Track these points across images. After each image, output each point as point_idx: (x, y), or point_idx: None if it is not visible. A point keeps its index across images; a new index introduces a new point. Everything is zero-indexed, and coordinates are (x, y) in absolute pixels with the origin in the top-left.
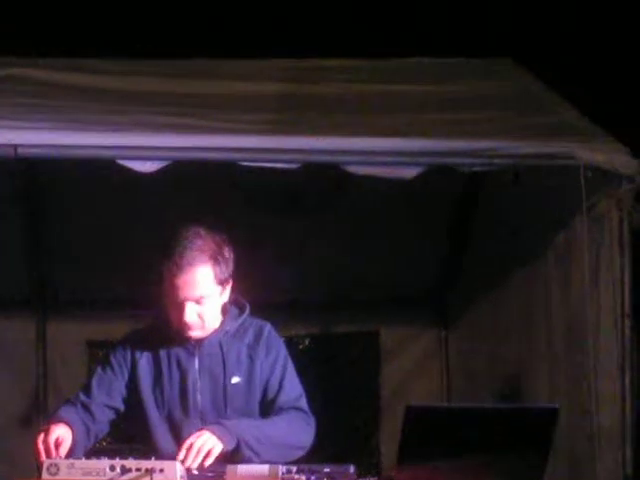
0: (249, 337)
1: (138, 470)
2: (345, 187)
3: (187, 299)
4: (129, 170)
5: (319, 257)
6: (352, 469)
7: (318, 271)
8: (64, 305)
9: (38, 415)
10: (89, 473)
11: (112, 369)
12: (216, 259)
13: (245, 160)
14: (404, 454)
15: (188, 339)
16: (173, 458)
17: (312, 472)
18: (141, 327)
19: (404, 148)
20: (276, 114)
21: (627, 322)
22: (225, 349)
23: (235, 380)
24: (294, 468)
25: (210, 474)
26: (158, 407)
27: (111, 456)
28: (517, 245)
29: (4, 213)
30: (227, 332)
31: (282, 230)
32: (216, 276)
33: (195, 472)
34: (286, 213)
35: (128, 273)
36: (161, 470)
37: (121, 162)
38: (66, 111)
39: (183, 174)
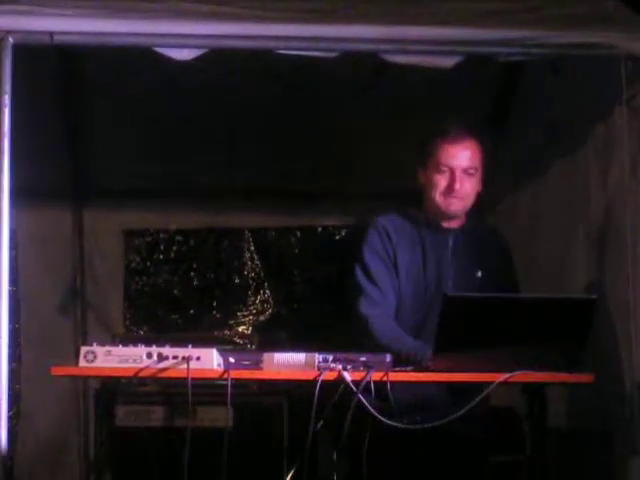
0: (490, 238)
1: (175, 358)
2: (383, 77)
3: (461, 166)
4: (166, 58)
5: (355, 145)
6: (388, 358)
7: (356, 159)
8: (100, 195)
9: (75, 304)
10: (126, 360)
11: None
12: (481, 140)
13: (282, 48)
14: (441, 343)
15: (440, 228)
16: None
17: (348, 361)
18: (384, 215)
19: (442, 36)
20: (313, 2)
21: None
22: (472, 242)
23: (479, 274)
24: (330, 357)
25: (246, 362)
26: (414, 294)
27: (147, 344)
28: (556, 137)
29: (40, 102)
30: (471, 228)
31: (319, 117)
32: (481, 154)
33: (232, 360)
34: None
35: (165, 162)
36: (198, 358)
37: (158, 49)
38: None
39: (220, 63)
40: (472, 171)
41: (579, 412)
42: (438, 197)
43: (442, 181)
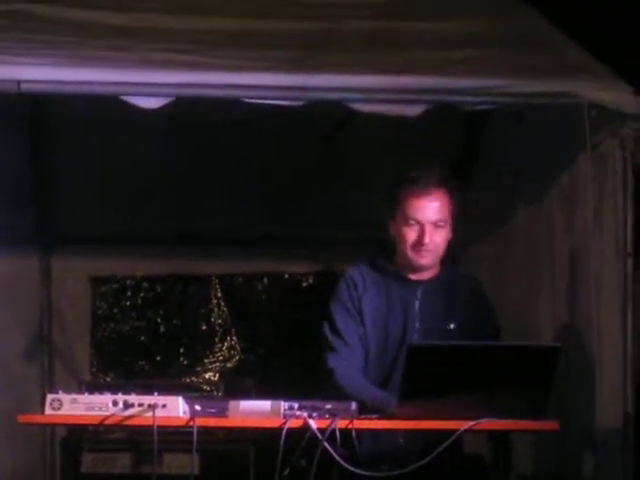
0: (463, 285)
1: (141, 405)
2: (350, 124)
3: (429, 220)
4: (133, 107)
5: (324, 192)
6: (354, 406)
7: (324, 205)
8: (67, 242)
9: (42, 351)
10: (92, 408)
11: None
12: (450, 189)
13: (249, 97)
14: (406, 391)
15: (410, 279)
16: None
17: (314, 408)
18: (355, 266)
19: (408, 85)
20: (280, 51)
21: (630, 261)
22: (444, 293)
23: (451, 326)
24: (296, 404)
25: (212, 410)
26: (379, 343)
27: (114, 391)
28: (521, 183)
29: (10, 147)
30: (444, 278)
31: (286, 164)
32: (450, 204)
33: (198, 407)
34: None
35: (132, 209)
36: (164, 405)
37: (125, 98)
38: (69, 47)
39: (187, 111)
40: (442, 223)
41: (545, 459)
42: (409, 251)
43: (411, 235)
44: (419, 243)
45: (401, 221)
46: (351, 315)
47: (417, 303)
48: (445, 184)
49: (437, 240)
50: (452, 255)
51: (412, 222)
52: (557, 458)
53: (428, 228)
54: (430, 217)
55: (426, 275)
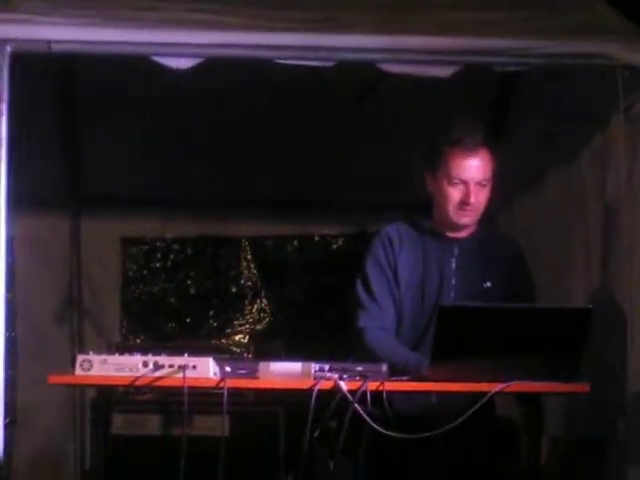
0: (504, 247)
1: (171, 366)
2: (380, 86)
3: (475, 179)
4: (163, 67)
5: (355, 156)
6: (384, 368)
7: (355, 168)
8: (97, 203)
9: (72, 312)
10: (122, 369)
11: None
12: (493, 148)
13: (280, 58)
14: (437, 353)
15: (446, 237)
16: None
17: (345, 370)
18: (392, 223)
19: (438, 46)
20: (311, 12)
21: None
22: (481, 252)
23: (488, 284)
24: (327, 366)
25: (243, 371)
26: (414, 301)
27: (144, 352)
28: (553, 147)
29: (40, 110)
30: (481, 237)
31: (317, 127)
32: (492, 163)
33: (228, 369)
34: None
35: (162, 171)
36: (194, 367)
37: (155, 58)
38: (100, 7)
39: (217, 74)
40: (485, 182)
41: (576, 421)
42: (451, 209)
43: (455, 194)
44: (464, 202)
45: (444, 180)
46: (385, 274)
47: (454, 260)
48: (488, 143)
49: (481, 199)
50: (490, 214)
51: (457, 181)
52: (589, 422)
53: (473, 187)
54: (475, 176)
55: (463, 233)
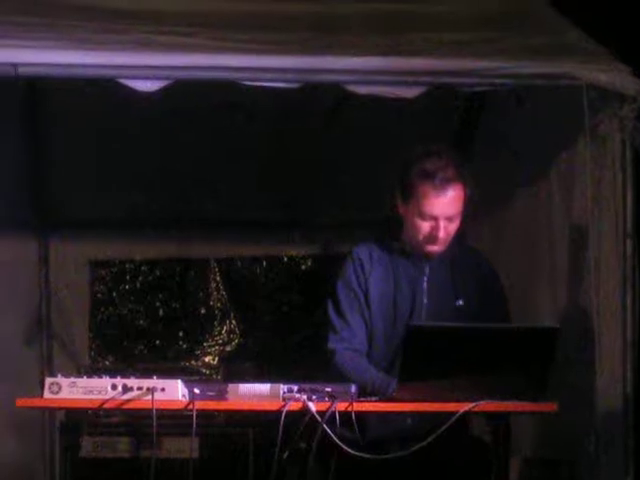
0: (471, 262)
1: (140, 389)
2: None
3: (445, 215)
4: (130, 89)
5: (323, 175)
6: (353, 388)
7: (323, 189)
8: (66, 225)
9: (41, 335)
10: (91, 392)
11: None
12: (465, 181)
13: (245, 79)
14: (405, 372)
15: (417, 256)
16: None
17: (313, 391)
18: (362, 244)
19: (405, 67)
20: (277, 34)
21: (629, 242)
22: (452, 270)
23: (460, 302)
24: (295, 387)
25: (211, 393)
26: (386, 322)
27: (113, 375)
28: (520, 167)
29: (6, 133)
30: (450, 255)
31: (284, 147)
32: (465, 195)
33: (197, 390)
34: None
35: (131, 193)
36: (163, 389)
37: (122, 81)
38: (67, 30)
39: (184, 94)
40: (456, 216)
41: (545, 441)
42: (421, 240)
43: (425, 227)
44: (434, 237)
45: (415, 212)
46: (356, 296)
47: (425, 280)
48: (460, 176)
49: (450, 231)
50: (462, 232)
51: (427, 217)
52: (558, 440)
53: (442, 222)
54: (446, 212)
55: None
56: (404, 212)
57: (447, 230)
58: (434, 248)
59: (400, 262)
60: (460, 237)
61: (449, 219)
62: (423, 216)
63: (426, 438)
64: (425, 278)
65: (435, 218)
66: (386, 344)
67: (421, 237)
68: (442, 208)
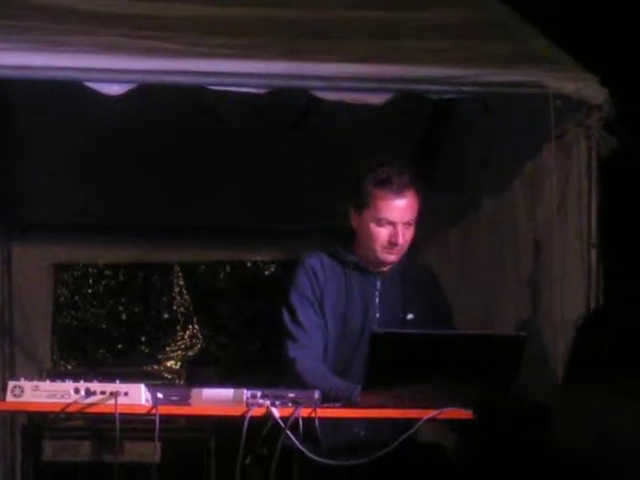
0: (420, 276)
1: (103, 393)
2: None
3: (402, 220)
4: (96, 93)
5: (288, 181)
6: (317, 394)
7: (287, 195)
8: (29, 229)
9: (3, 338)
10: (53, 395)
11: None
12: (418, 188)
13: (212, 84)
14: (369, 379)
15: (369, 270)
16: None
17: (277, 397)
18: (313, 254)
19: (372, 74)
20: (245, 38)
21: (593, 251)
22: (402, 284)
23: (410, 316)
24: (258, 393)
25: (175, 398)
26: (337, 333)
27: (76, 379)
28: (486, 175)
29: None
30: (401, 269)
31: (250, 153)
32: (419, 202)
33: (160, 395)
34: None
35: (94, 197)
36: (126, 393)
37: (88, 84)
38: (33, 32)
39: (151, 98)
40: (412, 222)
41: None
42: (378, 249)
43: (383, 234)
44: (392, 243)
45: (371, 219)
46: (311, 304)
47: (377, 294)
48: (414, 183)
49: (407, 238)
50: (414, 247)
51: (384, 222)
52: None
53: (400, 228)
54: (403, 217)
55: (385, 267)
56: (357, 224)
57: (405, 236)
58: (390, 257)
59: (352, 276)
60: (410, 253)
61: (406, 224)
62: (380, 222)
63: (377, 449)
64: (377, 292)
65: (393, 224)
66: (337, 354)
67: (379, 245)
68: (400, 212)
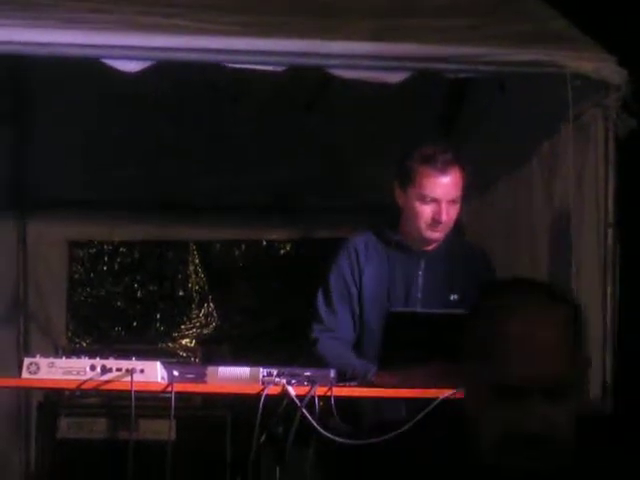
0: (468, 256)
1: (119, 370)
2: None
3: (447, 198)
4: (113, 70)
5: (304, 160)
6: (332, 373)
7: (304, 173)
8: (44, 205)
9: (18, 315)
10: (69, 372)
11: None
12: (463, 165)
13: (230, 62)
14: (385, 358)
15: (414, 250)
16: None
17: (292, 375)
18: (359, 234)
19: (389, 52)
20: (263, 16)
21: (611, 231)
22: (448, 264)
23: (454, 296)
24: (275, 371)
25: (190, 375)
26: (380, 314)
27: (92, 356)
28: (502, 153)
29: None
30: (447, 249)
31: (267, 131)
32: (463, 180)
33: (175, 373)
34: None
35: (110, 174)
36: (142, 370)
37: (105, 61)
38: (49, 9)
39: (167, 76)
40: (456, 200)
41: None
42: (423, 227)
43: (427, 212)
44: (436, 220)
45: (415, 197)
46: (347, 287)
47: (420, 274)
48: (459, 161)
49: (452, 216)
50: (459, 226)
51: (428, 200)
52: None
53: (445, 205)
54: (447, 194)
55: (430, 246)
56: (403, 201)
57: (449, 214)
58: (435, 234)
59: (396, 255)
60: (458, 231)
61: (450, 202)
62: (425, 199)
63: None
64: (420, 272)
65: (437, 201)
66: (379, 337)
67: (423, 223)
68: (444, 190)
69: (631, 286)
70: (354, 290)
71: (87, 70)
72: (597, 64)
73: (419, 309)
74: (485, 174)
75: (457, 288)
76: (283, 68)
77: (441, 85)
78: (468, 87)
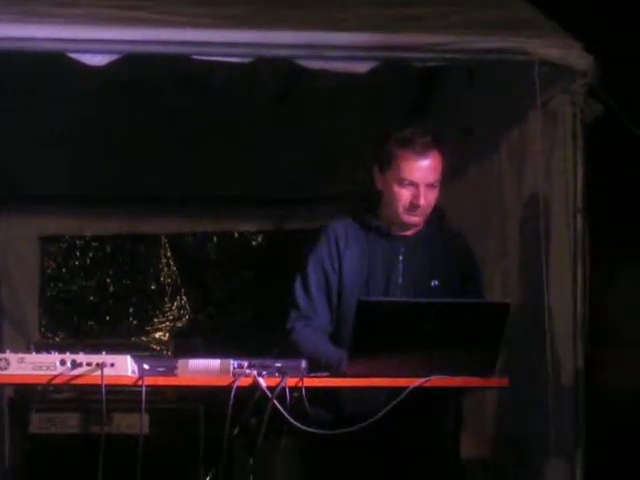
0: (449, 241)
1: (89, 364)
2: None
3: (426, 181)
4: (79, 64)
5: (275, 152)
6: (303, 364)
7: (275, 164)
8: (16, 201)
9: None
10: (39, 367)
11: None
12: (442, 148)
13: (197, 54)
14: (356, 348)
15: (394, 236)
16: None
17: (264, 367)
18: (339, 220)
19: (357, 42)
20: (230, 8)
21: (579, 217)
22: (428, 249)
23: (435, 282)
24: (245, 363)
25: (161, 369)
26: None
27: (62, 351)
28: (472, 142)
29: None
30: (427, 234)
31: (236, 123)
32: (442, 164)
33: (146, 366)
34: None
35: (81, 168)
36: (112, 364)
37: (71, 55)
38: (16, 3)
39: (134, 69)
40: (435, 183)
41: (498, 419)
42: (401, 210)
43: (405, 195)
44: (414, 205)
45: (394, 181)
46: (326, 273)
47: (401, 260)
48: (438, 144)
49: (430, 200)
50: (440, 211)
51: (407, 183)
52: (510, 416)
53: (423, 189)
54: (426, 178)
55: (411, 231)
56: (382, 184)
57: (427, 198)
58: (413, 219)
59: (377, 241)
60: (439, 216)
61: (429, 186)
62: (403, 183)
63: (395, 416)
64: (401, 258)
65: (415, 184)
66: None
67: (401, 207)
68: (422, 173)
69: (600, 269)
70: (333, 277)
71: (54, 64)
72: (564, 50)
73: (399, 295)
74: (455, 164)
75: (438, 274)
76: (250, 59)
77: (411, 74)
78: (438, 76)
